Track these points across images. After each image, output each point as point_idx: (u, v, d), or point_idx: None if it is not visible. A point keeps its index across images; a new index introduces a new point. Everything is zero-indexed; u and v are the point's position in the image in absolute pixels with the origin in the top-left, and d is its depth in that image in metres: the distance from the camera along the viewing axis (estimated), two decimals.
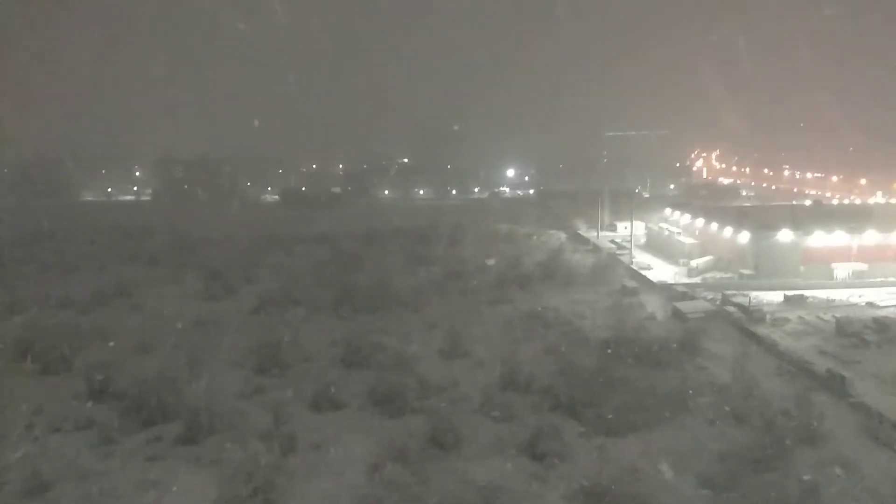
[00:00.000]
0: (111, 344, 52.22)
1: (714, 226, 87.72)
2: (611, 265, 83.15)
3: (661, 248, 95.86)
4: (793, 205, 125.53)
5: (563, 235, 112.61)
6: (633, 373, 42.82)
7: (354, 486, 30.89)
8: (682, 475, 31.93)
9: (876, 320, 54.79)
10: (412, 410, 38.79)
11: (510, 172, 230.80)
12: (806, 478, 29.53)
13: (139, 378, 41.26)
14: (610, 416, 36.66)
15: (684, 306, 62.39)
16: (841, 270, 75.46)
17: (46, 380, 45.64)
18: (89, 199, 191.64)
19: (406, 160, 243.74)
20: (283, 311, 61.43)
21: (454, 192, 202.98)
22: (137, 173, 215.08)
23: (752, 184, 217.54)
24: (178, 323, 57.42)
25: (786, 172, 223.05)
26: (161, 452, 34.76)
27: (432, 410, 37.53)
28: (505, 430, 36.56)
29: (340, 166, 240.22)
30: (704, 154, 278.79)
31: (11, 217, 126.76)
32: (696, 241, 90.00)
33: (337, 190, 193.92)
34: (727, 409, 38.32)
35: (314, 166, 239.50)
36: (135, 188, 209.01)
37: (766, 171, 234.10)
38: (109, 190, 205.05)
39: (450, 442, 34.42)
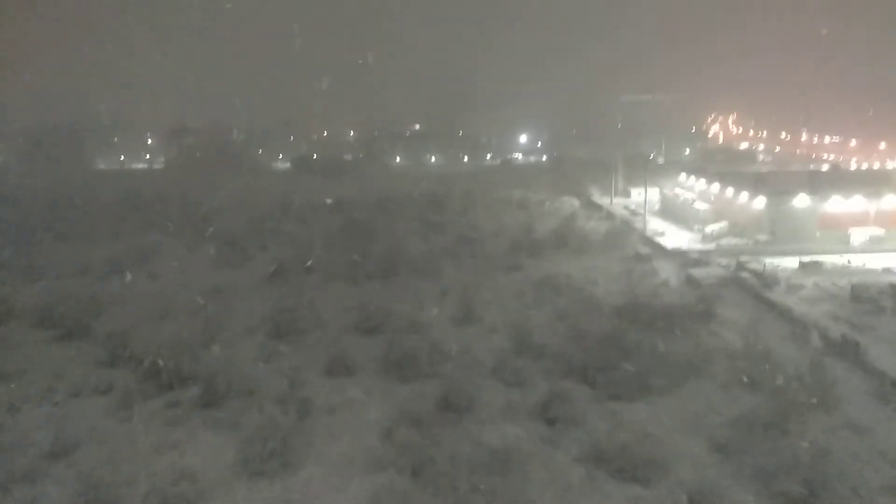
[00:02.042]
0: (128, 311, 53.01)
1: (729, 191, 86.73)
2: (624, 232, 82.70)
3: (676, 215, 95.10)
4: (810, 170, 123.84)
5: (576, 202, 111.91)
6: (645, 339, 42.79)
7: (369, 449, 31.45)
8: (694, 439, 32.15)
9: (892, 286, 54.20)
10: (425, 375, 39.15)
11: (523, 138, 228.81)
12: (805, 444, 29.60)
13: (157, 344, 41.87)
14: (622, 382, 36.83)
15: (698, 273, 62.11)
16: (858, 236, 74.65)
17: (65, 346, 46.52)
18: (102, 167, 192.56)
19: (417, 127, 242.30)
20: (297, 278, 61.85)
21: (466, 158, 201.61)
22: (150, 141, 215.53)
23: (769, 148, 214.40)
24: (195, 290, 58.00)
25: (803, 136, 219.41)
26: (179, 416, 35.42)
27: (445, 375, 37.80)
28: (517, 395, 36.88)
29: (351, 133, 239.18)
30: (721, 118, 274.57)
31: (26, 186, 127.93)
32: (710, 207, 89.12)
33: (348, 157, 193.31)
34: (740, 374, 38.44)
35: (325, 133, 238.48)
36: (147, 156, 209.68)
37: (783, 135, 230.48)
38: (122, 158, 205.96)
39: (462, 406, 34.79)
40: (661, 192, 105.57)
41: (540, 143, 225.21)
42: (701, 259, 67.97)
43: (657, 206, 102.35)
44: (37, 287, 60.13)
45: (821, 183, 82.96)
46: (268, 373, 40.03)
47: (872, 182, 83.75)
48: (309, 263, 65.66)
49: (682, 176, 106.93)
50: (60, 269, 66.89)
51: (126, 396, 37.15)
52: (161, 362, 39.20)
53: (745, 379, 37.73)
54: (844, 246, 72.94)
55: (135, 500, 27.14)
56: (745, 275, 61.64)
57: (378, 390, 38.29)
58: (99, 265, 67.97)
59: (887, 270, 62.64)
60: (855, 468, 29.00)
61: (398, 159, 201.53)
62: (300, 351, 44.33)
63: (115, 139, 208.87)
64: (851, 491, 27.15)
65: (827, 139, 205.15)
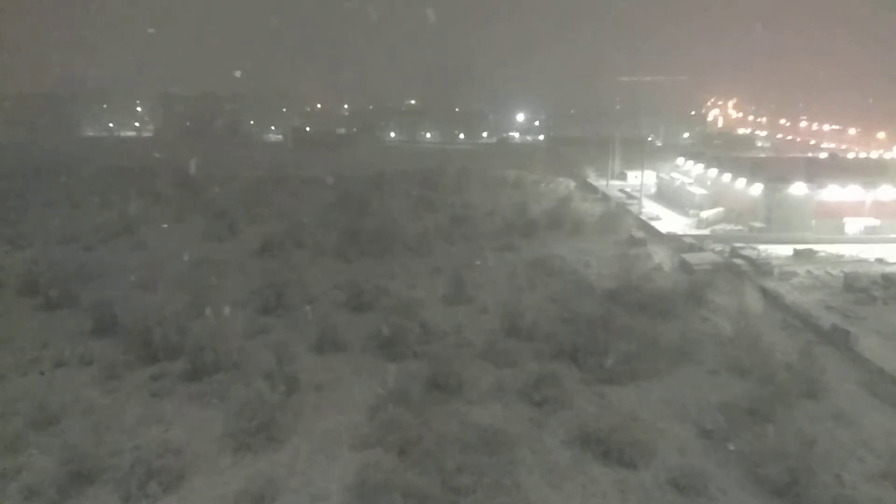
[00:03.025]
0: (115, 281, 52.45)
1: (726, 176, 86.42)
2: (619, 215, 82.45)
3: (672, 199, 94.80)
4: (807, 157, 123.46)
5: (571, 183, 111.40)
6: (636, 322, 42.76)
7: (356, 426, 31.25)
8: (681, 424, 32.14)
9: (884, 276, 54.30)
10: (415, 354, 38.98)
11: (520, 117, 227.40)
12: (791, 433, 29.56)
13: (143, 315, 41.45)
14: (611, 365, 36.73)
15: (692, 258, 61.99)
16: (853, 225, 74.62)
17: (51, 315, 46.01)
18: (91, 134, 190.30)
19: (413, 102, 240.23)
20: (287, 253, 61.33)
21: (462, 136, 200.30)
22: (139, 109, 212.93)
23: (768, 135, 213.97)
24: (182, 262, 57.44)
25: (803, 124, 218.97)
26: (165, 388, 35.12)
27: (434, 355, 37.56)
28: (506, 376, 36.73)
29: (346, 106, 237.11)
30: (721, 102, 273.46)
31: (14, 152, 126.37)
32: (707, 192, 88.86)
33: (342, 131, 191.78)
34: (729, 360, 38.45)
35: (319, 106, 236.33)
36: (136, 124, 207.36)
37: (782, 121, 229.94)
38: (111, 125, 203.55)
39: (451, 386, 34.63)
40: (657, 176, 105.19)
41: (537, 121, 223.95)
42: (695, 244, 67.83)
43: (653, 190, 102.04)
44: (23, 255, 59.40)
45: (818, 171, 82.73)
46: (255, 347, 39.73)
47: (869, 172, 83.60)
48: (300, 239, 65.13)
49: (680, 160, 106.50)
50: (47, 238, 66.15)
51: (111, 367, 36.82)
52: (147, 334, 38.74)
53: (734, 365, 37.73)
54: (839, 235, 72.91)
55: (120, 471, 26.88)
56: (738, 261, 61.56)
57: (367, 368, 38.03)
58: (86, 234, 67.26)
59: (880, 260, 62.68)
60: (839, 457, 29.05)
61: (392, 134, 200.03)
62: (289, 326, 43.99)
63: (104, 106, 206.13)
64: (835, 479, 27.23)
65: (826, 127, 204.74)
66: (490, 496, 25.87)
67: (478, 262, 59.21)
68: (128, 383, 35.76)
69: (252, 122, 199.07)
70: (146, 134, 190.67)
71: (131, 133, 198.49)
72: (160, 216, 77.56)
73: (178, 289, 49.21)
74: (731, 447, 29.64)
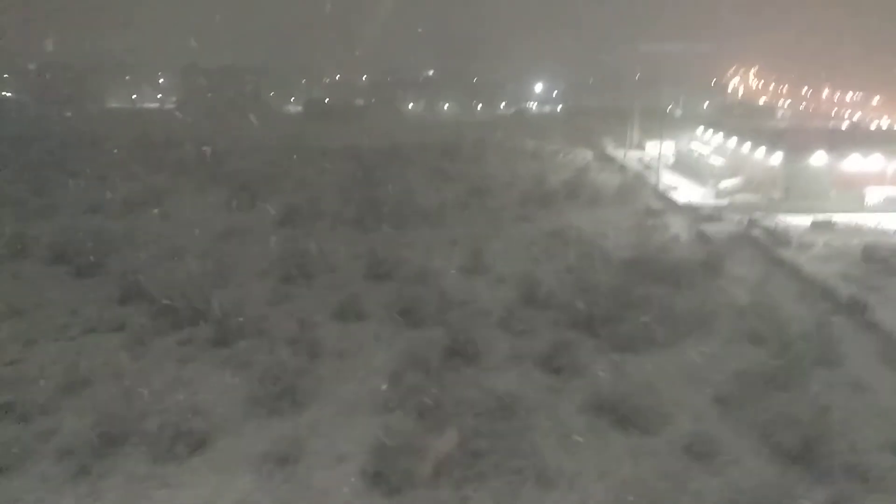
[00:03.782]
0: (141, 250, 53.63)
1: (746, 147, 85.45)
2: (637, 185, 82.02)
3: (690, 169, 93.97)
4: (828, 127, 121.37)
5: (589, 154, 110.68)
6: (653, 292, 42.98)
7: (377, 391, 32.13)
8: (696, 392, 32.61)
9: None
10: (433, 322, 39.58)
11: (538, 87, 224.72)
12: (805, 400, 29.90)
13: (170, 283, 42.48)
14: (627, 334, 37.16)
15: (709, 228, 61.85)
16: (873, 196, 73.72)
17: (79, 283, 47.28)
18: (114, 105, 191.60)
19: (431, 73, 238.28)
20: (308, 224, 62.09)
21: (480, 107, 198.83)
22: (161, 81, 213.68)
23: (790, 104, 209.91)
24: (207, 232, 58.47)
25: (825, 92, 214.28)
26: (192, 354, 36.13)
27: (453, 323, 38.21)
28: (523, 344, 37.32)
29: (364, 77, 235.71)
30: (742, 71, 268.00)
31: (39, 124, 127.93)
32: (725, 163, 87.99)
33: (360, 102, 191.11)
34: (746, 330, 38.70)
35: (337, 77, 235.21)
36: (159, 96, 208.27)
37: (804, 90, 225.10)
38: (134, 97, 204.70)
39: (469, 353, 35.27)
40: (676, 146, 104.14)
41: (555, 92, 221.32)
42: (713, 215, 67.54)
43: (672, 161, 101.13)
44: (50, 225, 60.76)
45: (839, 141, 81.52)
46: (278, 315, 40.69)
47: (891, 141, 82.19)
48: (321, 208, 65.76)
49: (699, 130, 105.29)
50: (74, 208, 67.47)
51: (139, 333, 37.92)
52: (174, 301, 39.78)
53: (750, 335, 37.99)
54: (860, 205, 72.14)
55: (149, 433, 27.98)
56: (756, 232, 61.32)
57: (386, 335, 38.83)
58: (112, 205, 68.44)
59: None
60: (854, 425, 29.31)
61: (411, 105, 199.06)
62: (310, 295, 44.87)
63: (127, 77, 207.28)
64: (849, 447, 27.55)
65: (850, 95, 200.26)
66: (506, 459, 26.58)
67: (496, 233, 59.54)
68: (155, 349, 36.85)
69: (272, 94, 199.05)
70: (169, 106, 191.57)
71: (154, 105, 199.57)
72: (184, 188, 78.55)
73: (202, 257, 50.21)
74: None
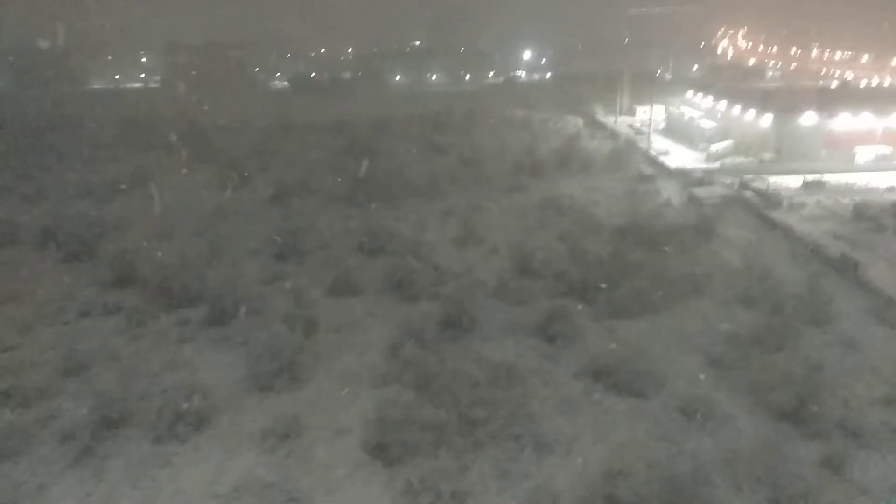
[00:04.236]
0: (132, 232, 53.32)
1: (736, 109, 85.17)
2: (628, 151, 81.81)
3: (681, 133, 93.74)
4: (818, 87, 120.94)
5: (579, 121, 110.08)
6: (645, 258, 43.20)
7: (374, 365, 32.36)
8: (690, 355, 32.97)
9: (894, 205, 54.16)
10: (428, 295, 39.75)
11: (526, 55, 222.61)
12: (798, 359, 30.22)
13: (162, 264, 42.34)
14: (621, 300, 37.39)
15: (701, 192, 61.93)
16: (864, 154, 73.82)
17: (72, 267, 47.05)
18: (97, 86, 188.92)
19: (417, 43, 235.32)
20: (299, 200, 61.79)
21: (468, 76, 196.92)
22: (144, 59, 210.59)
23: (779, 64, 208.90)
24: (197, 211, 58.10)
25: (814, 52, 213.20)
26: (189, 334, 36.23)
27: (448, 295, 38.34)
28: (518, 314, 37.55)
29: (350, 50, 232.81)
30: (731, 32, 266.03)
31: (23, 106, 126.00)
32: (716, 125, 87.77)
33: (347, 75, 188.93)
34: (738, 292, 39.00)
35: (322, 50, 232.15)
36: (142, 75, 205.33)
37: (793, 50, 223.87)
38: (117, 77, 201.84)
39: (465, 324, 35.47)
40: (666, 110, 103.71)
41: (544, 59, 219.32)
42: (704, 178, 67.54)
43: (662, 125, 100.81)
44: (39, 210, 60.23)
45: (828, 100, 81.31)
46: (273, 292, 40.71)
47: (881, 99, 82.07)
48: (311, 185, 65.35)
49: (689, 93, 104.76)
50: (61, 192, 66.80)
51: (135, 316, 37.88)
52: (167, 282, 39.68)
53: (743, 297, 38.29)
54: (850, 164, 72.28)
55: (149, 414, 28.13)
56: (747, 194, 61.45)
57: (382, 310, 38.97)
58: (100, 188, 67.80)
59: (891, 189, 62.31)
60: (846, 382, 29.80)
61: (398, 77, 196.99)
62: (304, 272, 44.85)
63: (109, 57, 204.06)
64: (842, 403, 28.00)
65: (838, 54, 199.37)
66: (505, 427, 26.92)
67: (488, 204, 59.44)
68: (151, 330, 36.90)
69: (257, 69, 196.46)
70: (152, 85, 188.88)
71: (138, 84, 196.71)
72: (172, 167, 77.81)
73: (194, 238, 49.99)
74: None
